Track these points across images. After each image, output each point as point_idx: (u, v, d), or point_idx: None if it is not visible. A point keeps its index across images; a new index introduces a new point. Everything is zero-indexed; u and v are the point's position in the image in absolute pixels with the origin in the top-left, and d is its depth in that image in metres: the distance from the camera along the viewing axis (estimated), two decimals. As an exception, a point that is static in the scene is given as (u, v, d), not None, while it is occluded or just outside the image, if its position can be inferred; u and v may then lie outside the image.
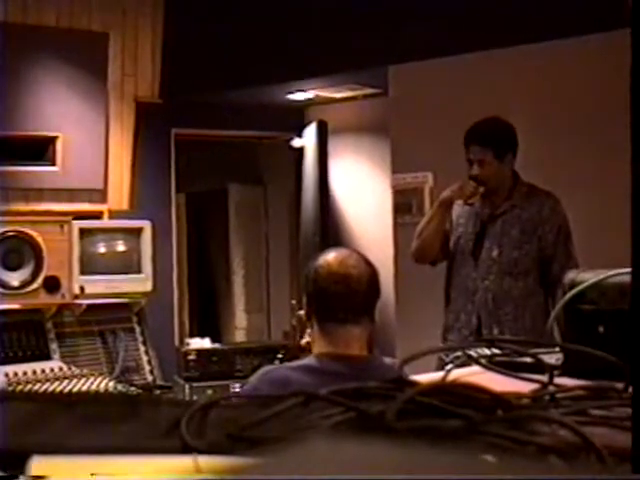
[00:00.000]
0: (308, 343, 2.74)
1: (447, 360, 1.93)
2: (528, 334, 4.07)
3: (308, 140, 7.36)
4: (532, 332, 4.07)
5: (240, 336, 8.34)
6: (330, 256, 2.65)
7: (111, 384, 4.37)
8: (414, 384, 1.21)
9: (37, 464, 0.96)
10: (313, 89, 6.76)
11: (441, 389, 1.17)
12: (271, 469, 0.55)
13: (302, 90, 6.77)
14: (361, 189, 7.28)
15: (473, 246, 4.29)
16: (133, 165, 6.34)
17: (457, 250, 4.34)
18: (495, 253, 4.23)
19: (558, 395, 1.39)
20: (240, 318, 8.44)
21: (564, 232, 4.23)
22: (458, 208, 4.38)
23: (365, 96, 6.93)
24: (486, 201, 4.28)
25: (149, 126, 6.46)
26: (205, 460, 0.97)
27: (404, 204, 5.88)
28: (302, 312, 2.78)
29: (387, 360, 2.71)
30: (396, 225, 5.93)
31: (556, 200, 4.27)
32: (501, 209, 4.26)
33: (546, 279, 4.19)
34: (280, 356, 5.54)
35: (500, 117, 4.30)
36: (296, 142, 7.52)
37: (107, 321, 5.75)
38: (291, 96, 6.93)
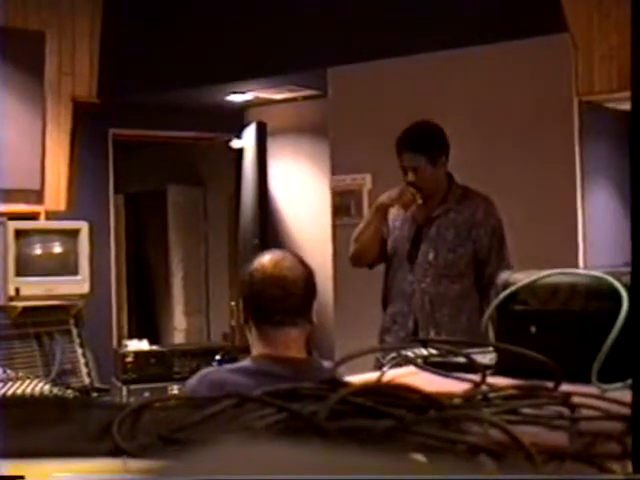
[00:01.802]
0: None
1: (384, 361, 1.94)
2: (464, 335, 4.10)
3: (247, 141, 7.36)
4: (468, 333, 4.11)
5: (179, 338, 8.30)
6: (265, 259, 2.65)
7: (47, 387, 4.31)
8: (347, 385, 1.22)
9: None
10: (252, 90, 6.76)
11: (373, 389, 1.18)
12: (187, 470, 0.55)
13: (241, 91, 6.77)
14: (300, 190, 7.30)
15: (409, 249, 4.31)
16: (70, 165, 6.29)
17: (394, 253, 4.36)
18: (431, 256, 4.26)
19: (490, 395, 1.40)
20: (179, 320, 8.41)
21: (498, 235, 4.28)
22: (394, 212, 4.40)
23: (304, 98, 6.94)
24: (422, 205, 4.31)
25: (87, 126, 6.41)
26: (135, 463, 0.97)
27: (343, 205, 5.90)
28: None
29: (326, 363, 2.72)
30: (335, 226, 5.95)
31: (490, 203, 4.31)
32: (436, 212, 4.29)
33: (480, 281, 4.24)
34: (219, 358, 5.51)
35: (429, 121, 4.32)
36: (235, 143, 7.51)
37: (43, 323, 5.69)
38: (230, 97, 6.92)
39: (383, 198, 4.33)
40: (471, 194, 4.33)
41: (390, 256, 4.38)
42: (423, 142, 4.23)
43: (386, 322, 4.40)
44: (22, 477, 0.60)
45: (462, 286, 4.26)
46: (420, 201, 4.26)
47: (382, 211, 4.35)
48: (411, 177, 4.22)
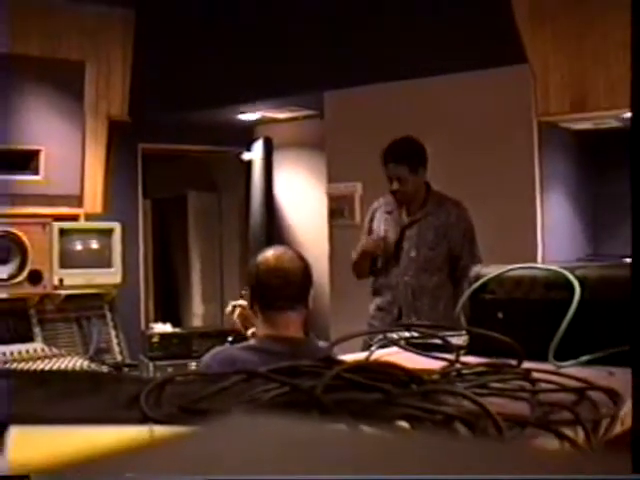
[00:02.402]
0: (253, 333, 2.74)
1: (371, 342, 1.93)
2: (442, 320, 4.11)
3: (256, 154, 7.35)
4: (445, 319, 4.12)
5: (197, 321, 8.28)
6: (269, 253, 2.66)
7: (85, 363, 4.32)
8: (341, 363, 1.21)
9: (14, 434, 0.94)
10: (260, 110, 6.74)
11: (363, 367, 1.17)
12: (201, 438, 0.54)
13: (251, 111, 6.76)
14: (301, 196, 7.28)
15: (395, 249, 4.31)
16: (106, 174, 6.27)
17: (383, 253, 4.36)
18: (413, 253, 4.27)
19: (463, 371, 1.40)
20: (197, 306, 8.39)
21: (469, 235, 4.28)
22: (381, 216, 4.41)
23: (304, 117, 6.93)
24: (404, 210, 4.32)
25: (119, 141, 6.40)
26: (160, 429, 0.96)
27: (338, 209, 5.89)
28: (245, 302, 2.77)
29: (321, 343, 2.72)
30: (331, 227, 5.94)
31: (462, 208, 4.32)
32: (417, 216, 4.29)
33: (454, 274, 4.25)
34: (230, 339, 5.49)
35: (411, 136, 4.32)
36: (245, 156, 7.49)
37: (83, 309, 5.69)
38: (241, 116, 6.91)
39: (358, 247, 4.38)
40: (446, 200, 4.33)
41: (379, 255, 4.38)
42: (405, 154, 4.23)
43: (374, 310, 4.40)
44: (27, 477, 0.59)
45: (439, 278, 4.26)
46: (384, 214, 4.30)
47: (367, 256, 4.36)
48: (395, 185, 4.22)
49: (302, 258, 2.70)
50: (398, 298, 4.27)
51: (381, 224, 4.38)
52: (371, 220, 4.47)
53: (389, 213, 4.37)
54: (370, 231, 4.44)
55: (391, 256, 4.32)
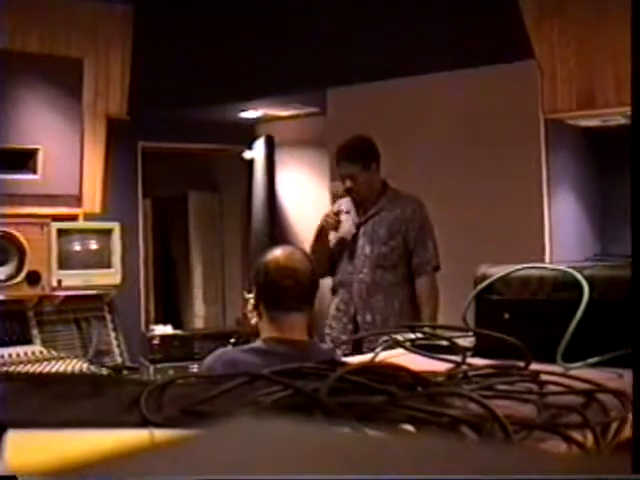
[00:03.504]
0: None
1: (375, 345, 1.92)
2: (396, 319, 4.15)
3: (258, 152, 7.35)
4: (401, 317, 4.16)
5: (199, 323, 8.28)
6: (278, 252, 2.66)
7: (85, 366, 4.33)
8: (345, 365, 1.21)
9: (12, 438, 0.94)
10: (262, 108, 6.74)
11: (368, 369, 1.17)
12: (204, 442, 0.54)
13: (252, 109, 6.76)
14: (303, 195, 7.28)
15: (350, 245, 4.35)
16: (105, 173, 6.27)
17: (338, 250, 4.40)
18: (367, 250, 4.30)
19: (470, 373, 1.40)
20: (199, 307, 8.39)
21: (424, 231, 4.30)
22: (344, 217, 4.45)
23: (307, 115, 6.92)
24: (359, 207, 4.37)
25: (119, 139, 6.40)
26: (160, 432, 0.96)
27: (341, 208, 5.88)
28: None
29: (324, 346, 2.72)
30: (334, 226, 5.93)
31: (419, 203, 4.36)
32: (371, 212, 4.34)
33: (410, 271, 4.28)
34: (233, 341, 5.50)
35: (361, 134, 4.40)
36: (247, 154, 7.49)
37: (82, 310, 5.69)
38: (243, 114, 6.91)
39: (319, 223, 4.40)
40: (403, 196, 4.38)
41: (335, 252, 4.41)
42: (356, 152, 4.30)
43: (332, 310, 4.42)
44: (14, 477, 0.59)
45: (394, 275, 4.28)
46: (343, 215, 4.32)
47: (322, 234, 4.38)
48: (348, 184, 4.29)
49: (310, 259, 2.70)
50: (353, 296, 4.29)
51: (344, 224, 4.41)
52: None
53: (347, 212, 4.42)
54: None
55: (347, 254, 4.35)
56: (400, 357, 1.68)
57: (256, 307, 2.66)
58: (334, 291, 4.42)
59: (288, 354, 2.48)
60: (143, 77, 6.33)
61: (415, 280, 4.25)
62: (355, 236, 4.35)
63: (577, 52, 4.75)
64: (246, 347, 2.66)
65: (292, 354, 2.48)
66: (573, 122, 5.19)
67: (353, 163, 4.27)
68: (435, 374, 1.33)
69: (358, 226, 4.35)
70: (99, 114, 6.21)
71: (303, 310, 2.61)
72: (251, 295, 2.72)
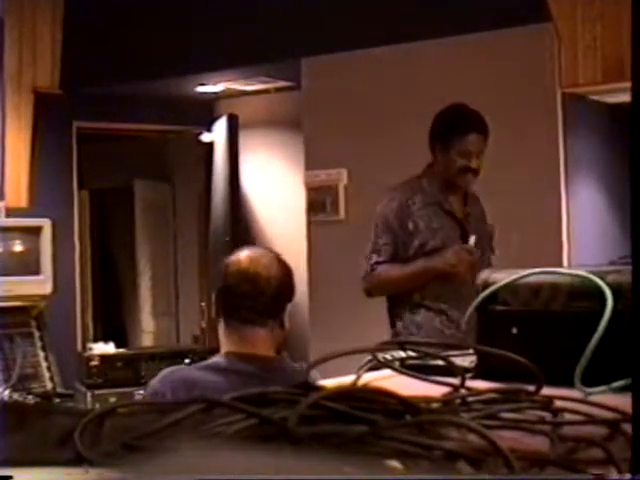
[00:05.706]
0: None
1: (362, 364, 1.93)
2: None
3: (218, 134, 7.35)
4: None
5: (147, 340, 8.28)
6: (243, 253, 2.66)
7: (7, 393, 4.31)
8: (320, 389, 1.22)
9: None
10: (223, 81, 6.75)
11: (348, 394, 1.18)
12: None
13: (212, 82, 6.76)
14: (274, 186, 7.29)
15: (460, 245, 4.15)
16: (32, 160, 6.25)
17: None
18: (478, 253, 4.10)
19: (469, 398, 1.41)
20: (147, 321, 8.38)
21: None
22: (416, 210, 4.02)
23: (277, 89, 6.94)
24: (461, 198, 4.15)
25: (49, 118, 6.37)
26: (97, 472, 0.97)
27: (318, 202, 5.89)
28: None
29: (295, 364, 2.72)
30: (310, 224, 5.95)
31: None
32: (469, 207, 4.15)
33: None
34: (188, 361, 5.51)
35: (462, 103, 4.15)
36: (205, 137, 7.49)
37: (3, 326, 5.65)
38: (200, 88, 6.91)
39: (438, 264, 3.97)
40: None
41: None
42: (485, 124, 4.06)
43: (444, 322, 4.09)
44: (10, 477, 0.60)
45: None
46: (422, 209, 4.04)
47: (431, 276, 4.01)
48: (475, 164, 4.03)
49: (284, 265, 2.70)
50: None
51: (422, 220, 4.05)
52: (404, 221, 4.06)
53: (436, 205, 4.08)
54: (410, 236, 4.05)
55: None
56: (387, 380, 1.69)
57: (217, 315, 2.68)
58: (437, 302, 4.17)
59: (251, 373, 2.49)
60: (79, 43, 6.31)
61: None
62: (462, 234, 4.06)
63: (603, 13, 4.76)
64: (202, 364, 2.67)
65: (255, 373, 2.49)
66: (597, 98, 5.22)
67: (484, 137, 4.06)
68: (428, 400, 1.34)
69: (460, 222, 4.10)
70: (24, 87, 6.18)
71: (266, 324, 2.62)
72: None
